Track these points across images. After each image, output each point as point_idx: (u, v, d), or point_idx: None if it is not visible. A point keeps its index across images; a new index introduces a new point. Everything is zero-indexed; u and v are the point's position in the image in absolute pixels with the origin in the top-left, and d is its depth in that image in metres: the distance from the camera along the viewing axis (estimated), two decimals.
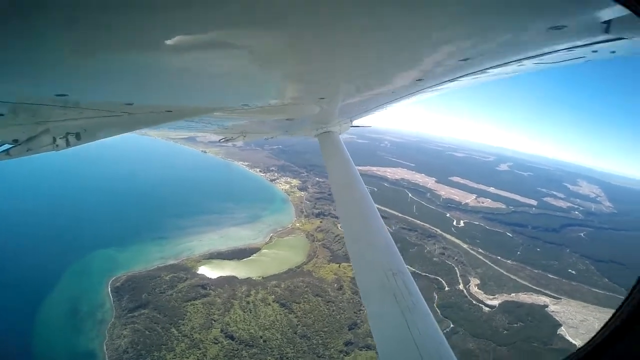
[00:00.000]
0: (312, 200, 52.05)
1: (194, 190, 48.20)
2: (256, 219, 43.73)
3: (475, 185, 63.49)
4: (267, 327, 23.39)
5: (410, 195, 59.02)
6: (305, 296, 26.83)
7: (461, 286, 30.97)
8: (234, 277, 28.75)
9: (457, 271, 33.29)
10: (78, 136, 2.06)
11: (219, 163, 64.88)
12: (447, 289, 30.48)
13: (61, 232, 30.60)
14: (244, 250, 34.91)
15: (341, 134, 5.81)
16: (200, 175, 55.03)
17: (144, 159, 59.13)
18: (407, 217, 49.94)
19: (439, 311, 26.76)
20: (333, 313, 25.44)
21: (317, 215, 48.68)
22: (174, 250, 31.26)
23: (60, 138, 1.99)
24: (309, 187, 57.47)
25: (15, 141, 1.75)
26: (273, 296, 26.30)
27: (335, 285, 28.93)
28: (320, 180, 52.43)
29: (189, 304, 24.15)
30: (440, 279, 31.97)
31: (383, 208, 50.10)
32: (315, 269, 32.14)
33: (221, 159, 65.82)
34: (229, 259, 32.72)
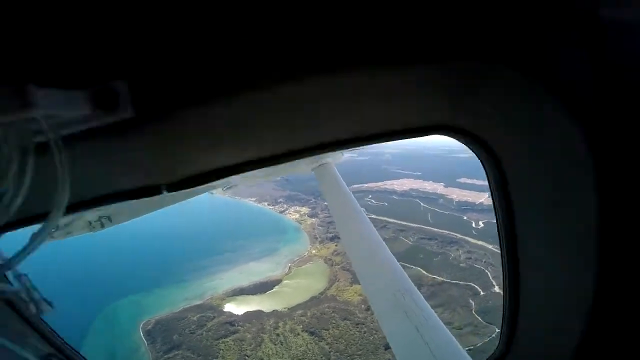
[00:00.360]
0: (324, 225, 51.60)
1: (207, 232, 48.42)
2: (272, 252, 43.35)
3: (485, 183, 62.35)
4: (300, 357, 22.60)
5: (422, 204, 58.23)
6: (333, 321, 25.96)
7: (497, 289, 29.61)
8: (260, 311, 28.18)
9: (489, 274, 32.02)
10: (109, 219, 2.41)
11: (227, 202, 65.57)
12: (482, 293, 29.16)
13: (81, 283, 31.21)
14: (265, 283, 34.39)
15: (336, 163, 6.11)
16: (211, 217, 55.59)
17: None
18: (423, 226, 48.92)
19: (479, 318, 25.31)
20: (365, 335, 24.41)
21: (332, 239, 47.99)
22: (197, 290, 31.25)
23: (95, 222, 2.33)
24: (319, 212, 57.24)
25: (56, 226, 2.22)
26: (301, 326, 25.53)
27: (363, 306, 27.95)
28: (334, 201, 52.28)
29: (220, 341, 23.83)
30: (472, 284, 30.71)
31: (397, 221, 49.39)
32: (338, 293, 31.24)
33: (229, 198, 66.71)
34: (252, 294, 32.21)
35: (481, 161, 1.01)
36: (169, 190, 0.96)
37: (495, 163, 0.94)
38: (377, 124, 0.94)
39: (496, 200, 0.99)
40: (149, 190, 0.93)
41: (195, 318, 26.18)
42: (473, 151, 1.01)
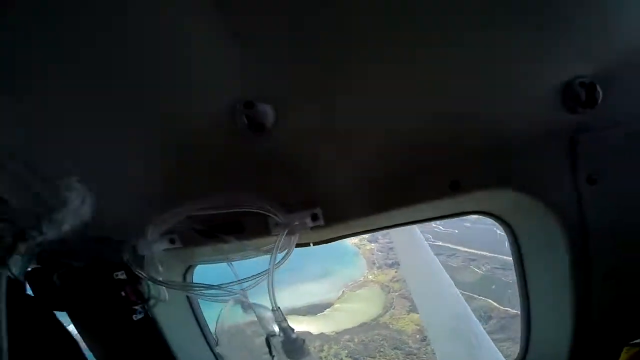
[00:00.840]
0: (383, 250, 48.96)
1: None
2: (328, 275, 43.03)
3: None
4: None
5: (498, 231, 50.11)
6: (382, 350, 24.04)
7: None
8: (307, 332, 27.91)
9: None
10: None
11: None
12: None
13: None
14: (317, 305, 34.20)
15: None
16: None
17: None
18: (498, 255, 42.23)
19: None
20: None
21: (391, 266, 44.87)
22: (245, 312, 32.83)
23: None
24: (379, 238, 54.48)
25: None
26: (346, 351, 24.40)
27: (418, 336, 25.19)
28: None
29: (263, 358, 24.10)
30: None
31: (468, 250, 43.95)
32: (392, 321, 28.88)
33: None
34: (304, 315, 32.33)
35: (505, 232, 1.47)
36: (315, 245, 1.47)
37: (514, 236, 1.44)
38: (435, 213, 1.44)
39: (514, 257, 1.49)
40: (300, 245, 1.40)
41: (248, 332, 27.51)
42: (500, 226, 1.47)
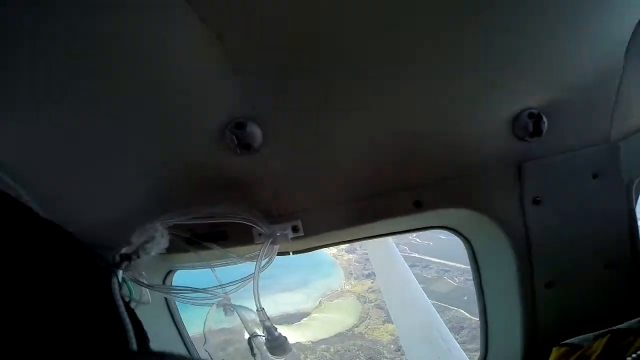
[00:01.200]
0: (361, 261, 49.21)
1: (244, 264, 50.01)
2: (305, 285, 42.57)
3: None
4: None
5: None
6: (357, 359, 23.96)
7: None
8: None
9: None
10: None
11: None
12: None
13: None
14: (293, 315, 33.63)
15: None
16: None
17: None
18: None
19: None
20: None
21: (368, 276, 45.21)
22: (227, 315, 31.87)
23: None
24: (358, 248, 54.87)
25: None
26: None
27: (392, 346, 25.36)
28: (370, 241, 50.49)
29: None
30: None
31: (442, 261, 45.08)
32: (368, 331, 28.93)
33: None
34: (280, 324, 31.16)
35: (464, 245, 1.60)
36: (294, 254, 1.53)
37: (471, 248, 1.56)
38: (405, 227, 1.55)
39: (472, 268, 1.60)
40: (280, 253, 1.44)
41: (221, 339, 26.64)
42: (460, 239, 1.58)
